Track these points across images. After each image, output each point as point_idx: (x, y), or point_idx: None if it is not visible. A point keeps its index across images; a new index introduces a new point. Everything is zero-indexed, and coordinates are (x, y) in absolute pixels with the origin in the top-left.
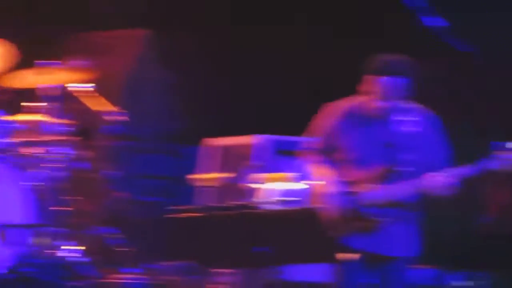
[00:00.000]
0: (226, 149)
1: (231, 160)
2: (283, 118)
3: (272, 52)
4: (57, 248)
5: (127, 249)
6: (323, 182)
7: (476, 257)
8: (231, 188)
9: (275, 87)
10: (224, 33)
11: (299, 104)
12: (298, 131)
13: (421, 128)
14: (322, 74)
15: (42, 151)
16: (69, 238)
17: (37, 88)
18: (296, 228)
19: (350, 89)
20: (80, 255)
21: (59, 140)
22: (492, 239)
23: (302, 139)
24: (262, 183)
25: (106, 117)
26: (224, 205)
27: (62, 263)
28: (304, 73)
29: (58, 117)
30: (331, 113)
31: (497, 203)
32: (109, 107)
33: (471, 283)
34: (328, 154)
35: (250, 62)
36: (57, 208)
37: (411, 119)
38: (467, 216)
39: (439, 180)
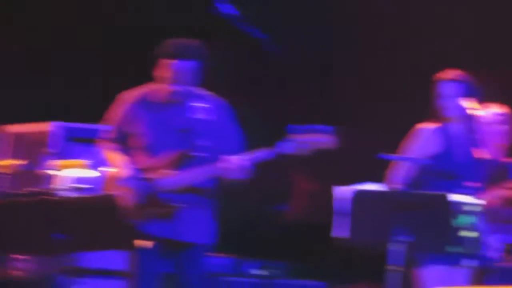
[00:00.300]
0: (20, 136)
1: (26, 146)
2: (80, 106)
3: (70, 37)
4: None
5: None
6: (118, 169)
7: (272, 245)
8: (26, 175)
9: (73, 72)
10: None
11: (98, 91)
12: (96, 119)
13: (214, 114)
14: (119, 64)
15: None
16: None
17: None
18: (93, 214)
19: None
20: None
21: None
22: (291, 227)
23: (98, 126)
24: (58, 170)
25: None
26: (20, 191)
27: None
28: (102, 62)
29: None
30: (125, 100)
31: (297, 190)
32: None
33: (266, 272)
34: (123, 141)
35: (48, 47)
36: None
37: (204, 105)
38: (265, 203)
39: (234, 164)
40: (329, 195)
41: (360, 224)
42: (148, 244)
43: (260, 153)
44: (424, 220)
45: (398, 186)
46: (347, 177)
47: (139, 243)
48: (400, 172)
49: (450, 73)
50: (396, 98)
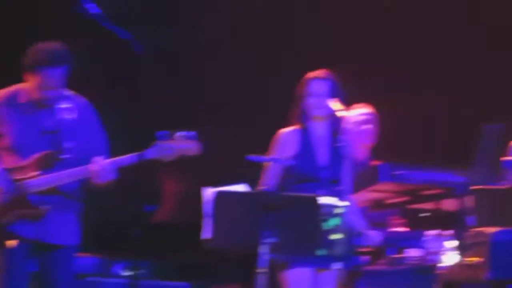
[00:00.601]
0: None
1: None
2: None
3: None
4: None
5: None
6: None
7: (140, 246)
8: None
9: None
10: None
11: None
12: None
13: (77, 114)
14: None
15: None
16: None
17: None
18: None
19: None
20: None
21: None
22: (160, 228)
23: None
24: None
25: None
26: None
27: None
28: None
29: None
30: None
31: (165, 191)
32: None
33: (132, 272)
34: None
35: None
36: None
37: (70, 106)
38: (133, 204)
39: (99, 167)
40: (200, 197)
41: (222, 225)
42: (14, 243)
43: (125, 158)
44: (291, 223)
45: (265, 187)
46: (221, 179)
47: (7, 243)
48: (267, 174)
49: (317, 72)
50: (268, 98)
